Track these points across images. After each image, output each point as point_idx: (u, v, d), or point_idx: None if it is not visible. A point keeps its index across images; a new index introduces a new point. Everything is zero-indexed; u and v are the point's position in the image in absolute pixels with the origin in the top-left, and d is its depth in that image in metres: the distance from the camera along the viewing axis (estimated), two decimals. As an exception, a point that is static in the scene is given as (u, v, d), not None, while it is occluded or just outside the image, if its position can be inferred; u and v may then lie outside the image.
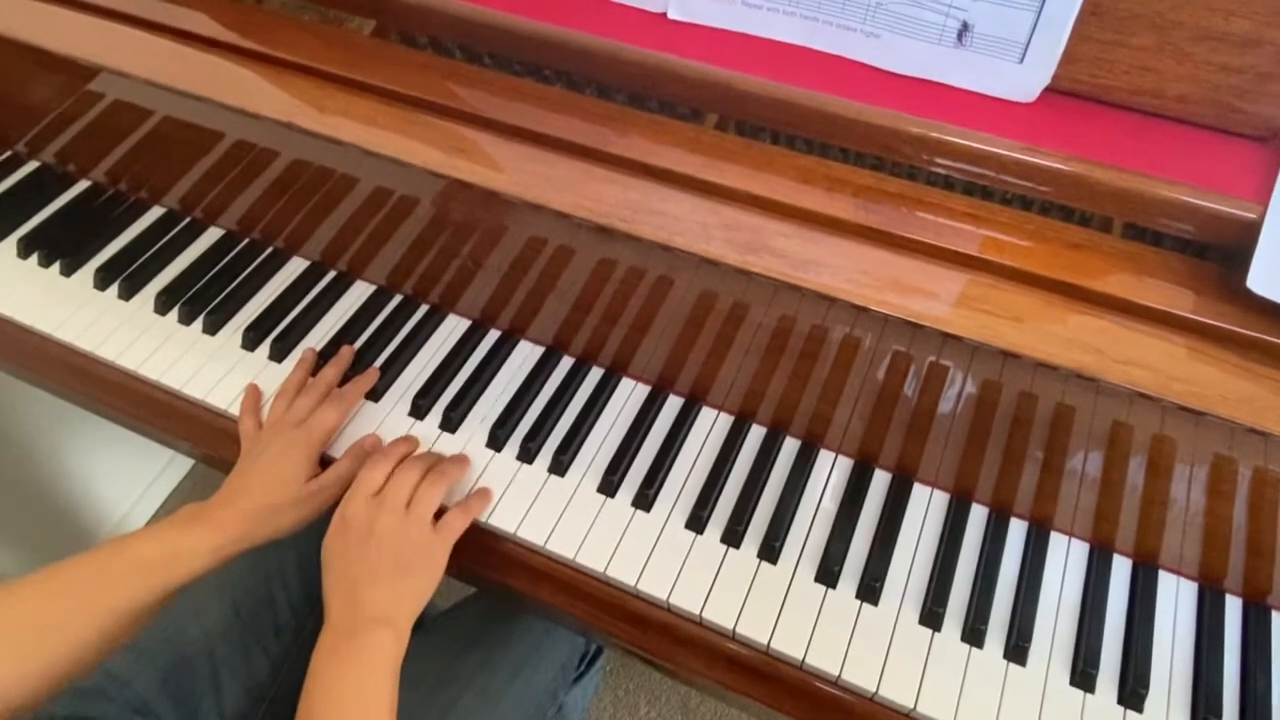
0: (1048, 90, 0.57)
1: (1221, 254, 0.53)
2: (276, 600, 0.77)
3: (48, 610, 0.55)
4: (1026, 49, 0.55)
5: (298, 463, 0.66)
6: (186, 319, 0.80)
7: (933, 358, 0.59)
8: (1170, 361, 0.50)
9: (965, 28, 0.56)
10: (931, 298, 0.54)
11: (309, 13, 0.72)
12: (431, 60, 0.67)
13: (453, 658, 0.74)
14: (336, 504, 0.64)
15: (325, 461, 0.70)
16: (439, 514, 0.65)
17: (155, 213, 0.90)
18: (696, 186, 0.59)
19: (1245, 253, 0.50)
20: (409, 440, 0.70)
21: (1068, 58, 0.55)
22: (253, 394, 0.74)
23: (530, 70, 0.66)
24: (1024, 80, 0.57)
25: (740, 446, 0.72)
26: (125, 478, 1.46)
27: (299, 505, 0.65)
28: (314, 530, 0.65)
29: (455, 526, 0.64)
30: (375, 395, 0.76)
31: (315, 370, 0.76)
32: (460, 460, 0.69)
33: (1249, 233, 0.51)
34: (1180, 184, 0.52)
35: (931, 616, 0.63)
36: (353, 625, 0.57)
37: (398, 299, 0.83)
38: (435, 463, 0.67)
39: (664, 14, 0.64)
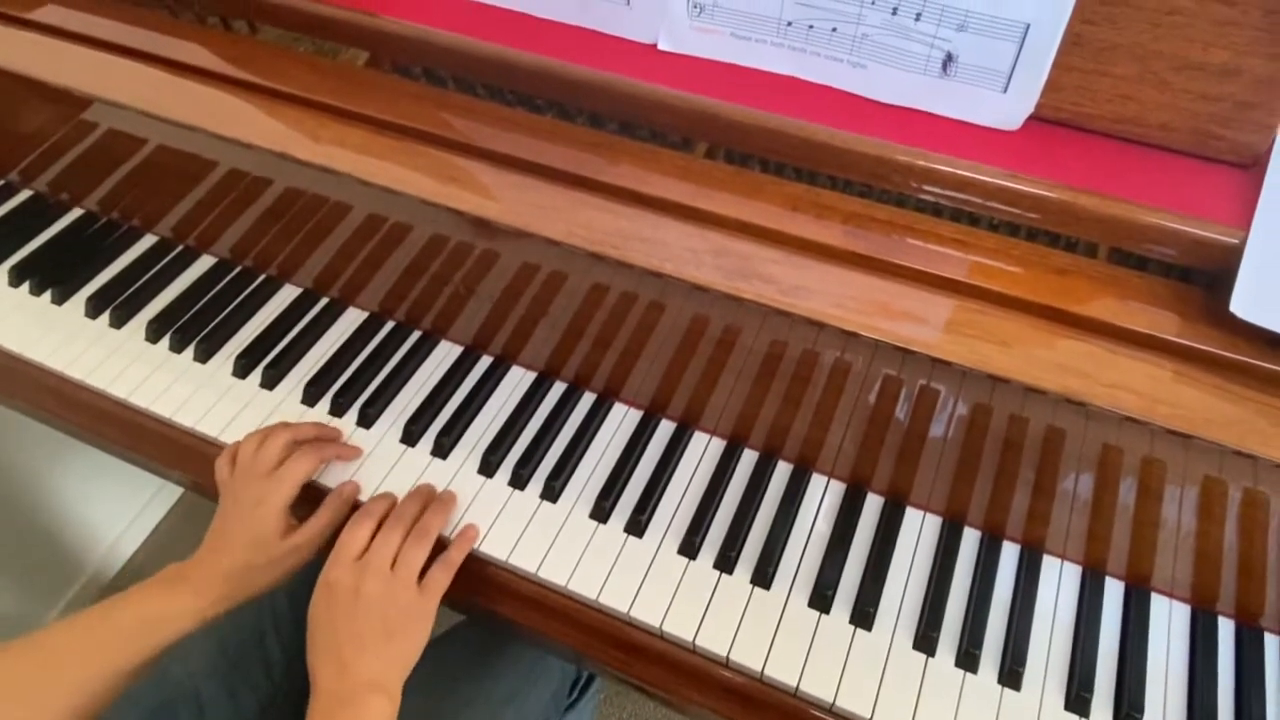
0: (1032, 118, 0.58)
1: (1205, 278, 0.54)
2: (266, 637, 0.76)
3: (32, 679, 0.55)
4: (1010, 79, 0.56)
5: (270, 518, 0.65)
6: (178, 347, 0.80)
7: (922, 382, 0.60)
8: (1156, 385, 0.51)
9: (950, 58, 0.57)
10: (920, 323, 0.55)
11: (303, 44, 0.72)
12: (425, 90, 0.68)
13: (443, 689, 0.73)
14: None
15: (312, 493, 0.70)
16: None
17: (147, 241, 0.90)
18: (687, 214, 0.60)
19: (1228, 277, 0.51)
20: (387, 497, 0.69)
21: (1051, 87, 0.56)
22: (234, 446, 0.73)
23: (522, 100, 0.67)
24: (1008, 109, 0.58)
25: (732, 471, 0.72)
26: (114, 506, 1.45)
27: (276, 565, 0.65)
28: (306, 567, 0.65)
29: (441, 583, 0.64)
30: (367, 422, 0.76)
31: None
32: (443, 509, 0.68)
33: (1231, 257, 0.51)
34: (1164, 210, 0.53)
35: (926, 641, 0.62)
36: (344, 693, 0.56)
37: (390, 326, 0.83)
38: (418, 515, 0.66)
39: (654, 45, 0.65)
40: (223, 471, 0.70)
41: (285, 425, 0.72)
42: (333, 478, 0.72)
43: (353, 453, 0.73)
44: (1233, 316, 0.49)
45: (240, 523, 0.65)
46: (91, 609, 0.59)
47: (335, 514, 0.68)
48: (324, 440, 0.73)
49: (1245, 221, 0.52)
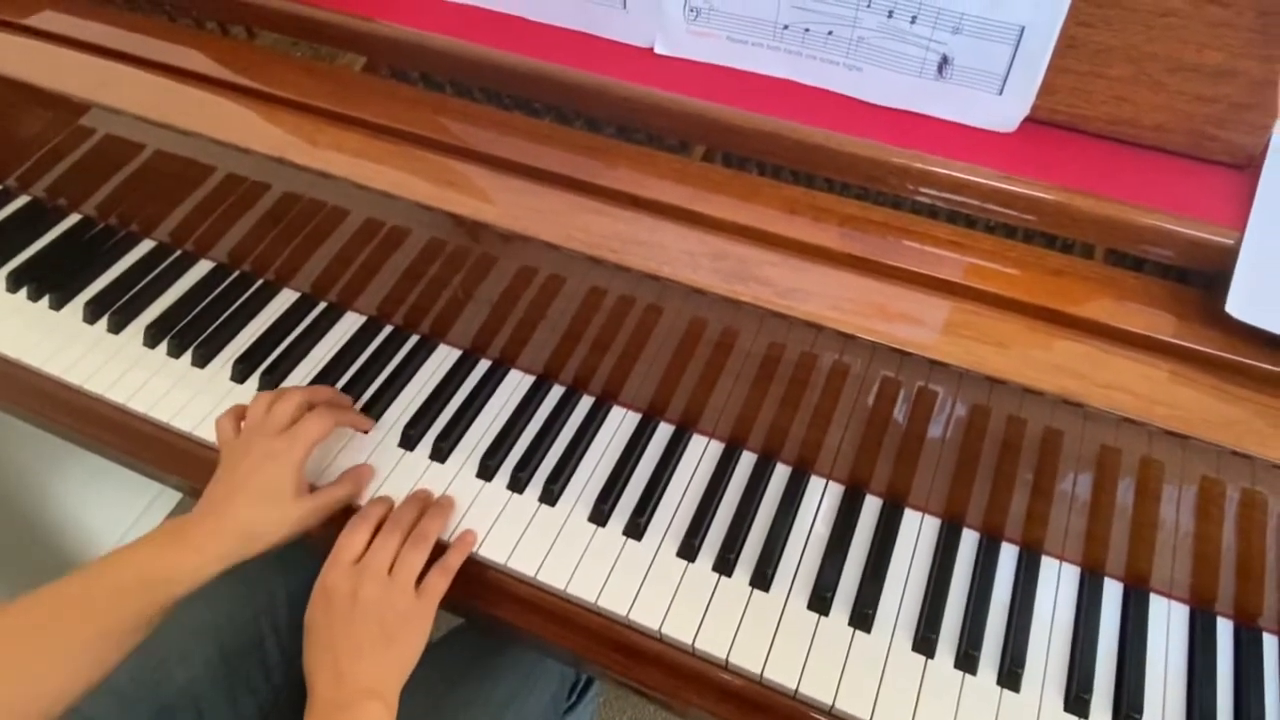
0: (1028, 120, 0.58)
1: (1201, 279, 0.54)
2: (265, 640, 0.76)
3: (30, 640, 0.54)
4: (1005, 81, 0.57)
5: (281, 475, 0.63)
6: (176, 352, 0.80)
7: (920, 384, 0.60)
8: (1153, 385, 0.51)
9: (945, 61, 0.57)
10: (917, 325, 0.55)
11: (300, 49, 0.73)
12: (422, 95, 0.68)
13: (441, 693, 0.73)
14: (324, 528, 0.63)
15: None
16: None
17: (145, 246, 0.90)
18: (684, 217, 0.60)
19: (1224, 277, 0.51)
20: (385, 501, 0.69)
21: (1046, 89, 0.56)
22: (239, 406, 0.72)
23: (519, 104, 0.67)
24: (1004, 111, 0.58)
25: (731, 474, 0.72)
26: (112, 511, 1.45)
27: (282, 524, 0.63)
28: (305, 565, 0.65)
29: (439, 588, 0.63)
30: (365, 426, 0.76)
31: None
32: (441, 513, 0.68)
33: (1227, 258, 0.51)
34: (1159, 211, 0.53)
35: (925, 643, 0.62)
36: (341, 700, 0.56)
37: (388, 329, 0.83)
38: (416, 520, 0.66)
39: (650, 49, 0.65)
40: (226, 430, 0.68)
41: (297, 387, 0.71)
42: (347, 462, 0.72)
43: (365, 423, 0.73)
44: (1229, 317, 0.49)
45: (248, 475, 0.63)
46: (88, 567, 0.57)
47: (350, 490, 0.67)
48: (337, 405, 0.72)
49: (1240, 222, 0.52)
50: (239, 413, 0.70)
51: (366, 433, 0.74)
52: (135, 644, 0.57)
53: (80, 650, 0.55)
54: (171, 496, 1.54)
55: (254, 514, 0.62)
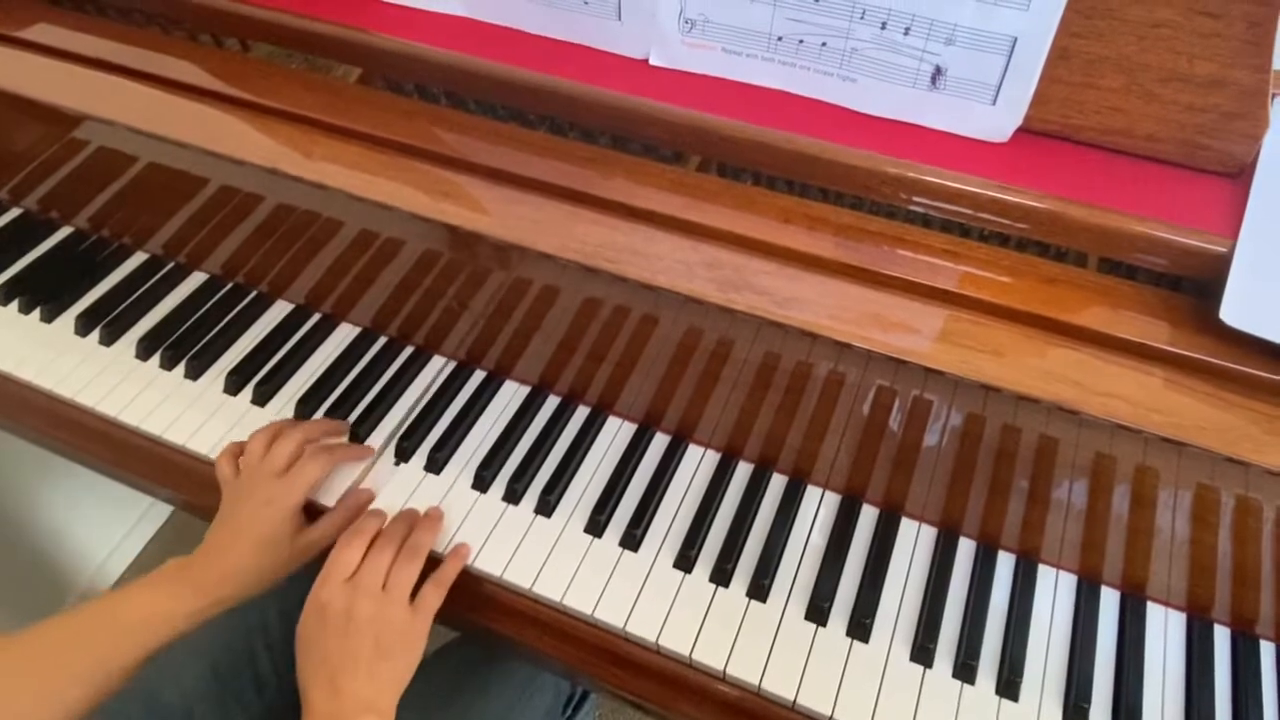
0: (1021, 130, 0.59)
1: (1195, 286, 0.54)
2: (258, 656, 0.76)
3: (32, 673, 0.55)
4: (998, 91, 0.57)
5: (281, 520, 0.65)
6: (168, 364, 0.80)
7: (915, 392, 0.60)
8: (1148, 393, 0.51)
9: (939, 71, 0.58)
10: (912, 333, 0.55)
11: (295, 60, 0.73)
12: (417, 106, 0.68)
13: (436, 706, 0.72)
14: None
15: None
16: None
17: (138, 258, 0.89)
18: (679, 227, 0.60)
19: (1217, 285, 0.51)
20: (377, 515, 0.68)
21: (1039, 99, 0.57)
22: (236, 444, 0.73)
23: (515, 115, 0.67)
24: (997, 121, 0.58)
25: (727, 484, 0.72)
26: (103, 525, 1.44)
27: (283, 566, 0.65)
28: (297, 582, 0.64)
29: (433, 601, 0.63)
30: (359, 438, 0.75)
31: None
32: (433, 526, 0.68)
33: (1220, 265, 0.52)
34: (1152, 219, 0.53)
35: (923, 653, 0.62)
36: (337, 714, 0.56)
37: (382, 341, 0.83)
38: (409, 534, 0.66)
39: (646, 60, 0.65)
40: (225, 469, 0.69)
41: (294, 424, 0.72)
42: (342, 480, 0.72)
43: (364, 453, 0.73)
44: (1223, 324, 0.50)
45: (250, 523, 0.64)
46: (93, 603, 0.59)
47: (347, 516, 0.68)
48: (332, 439, 0.73)
49: (1233, 230, 0.53)
50: (236, 450, 0.71)
51: (365, 460, 0.74)
52: (128, 680, 0.58)
53: (76, 684, 0.56)
54: (162, 511, 1.52)
55: (254, 561, 0.64)
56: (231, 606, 0.62)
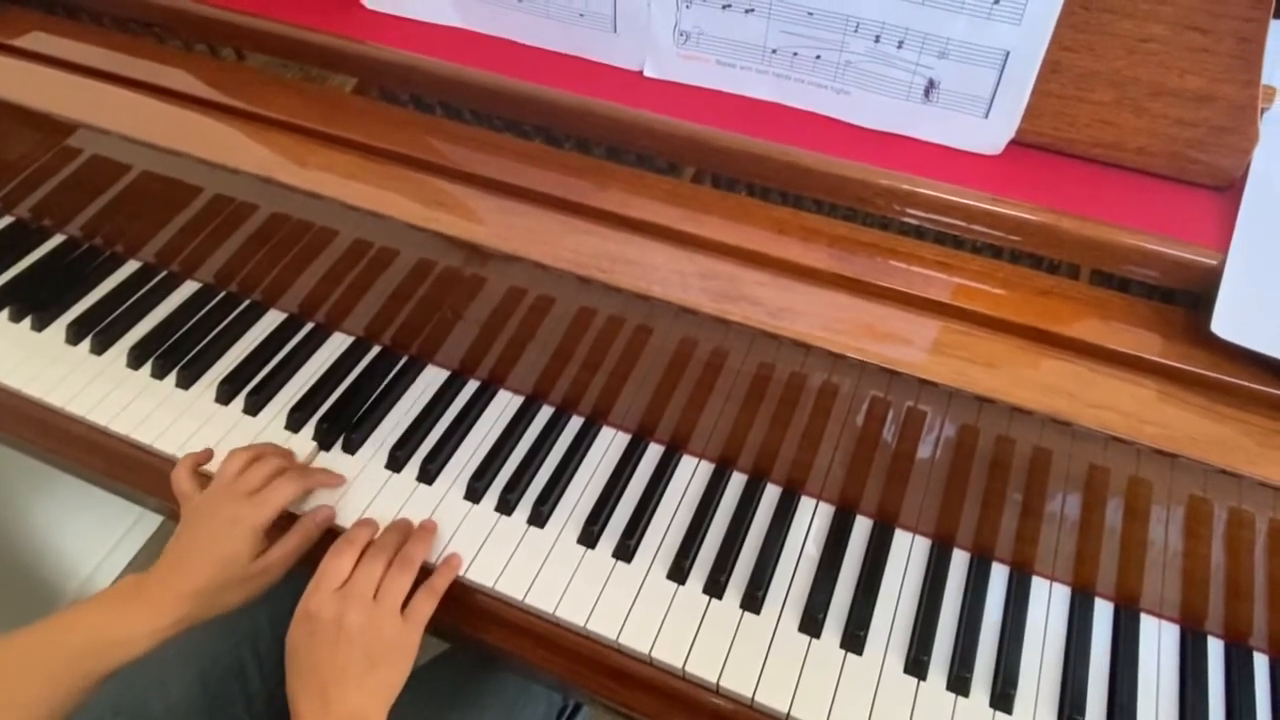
0: (1014, 143, 0.59)
1: (1186, 299, 0.55)
2: (247, 668, 0.75)
3: None
4: (991, 104, 0.57)
5: (244, 540, 0.63)
6: (160, 373, 0.80)
7: (909, 403, 0.60)
8: (1141, 405, 0.51)
9: (932, 84, 0.58)
10: (906, 344, 0.55)
11: (290, 70, 0.73)
12: (412, 116, 0.68)
13: (427, 718, 0.72)
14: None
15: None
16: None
17: (130, 267, 0.89)
18: (674, 237, 0.60)
19: (1209, 297, 0.51)
20: (369, 525, 0.68)
21: (1031, 112, 0.57)
22: (201, 454, 0.72)
23: (510, 125, 0.67)
24: (990, 134, 0.59)
25: (721, 495, 0.72)
26: (92, 535, 1.43)
27: (242, 586, 0.63)
28: (288, 592, 0.64)
29: (425, 612, 0.63)
30: (351, 448, 0.75)
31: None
32: (426, 536, 0.67)
33: (1211, 278, 0.52)
34: (1144, 232, 0.54)
35: (917, 665, 0.62)
36: None
37: (375, 350, 0.82)
38: (401, 543, 0.66)
39: (640, 71, 0.65)
40: (184, 484, 0.68)
41: (277, 450, 0.71)
42: (316, 502, 0.71)
43: (336, 480, 0.72)
44: (1214, 336, 0.50)
45: (211, 540, 0.63)
46: (35, 626, 0.57)
47: (305, 537, 0.67)
48: (310, 470, 0.72)
49: (1223, 243, 0.53)
50: (195, 462, 0.69)
51: (337, 487, 0.73)
52: (81, 705, 0.56)
53: (14, 712, 0.54)
54: (152, 520, 1.51)
55: (214, 578, 0.62)
56: (191, 626, 0.60)
